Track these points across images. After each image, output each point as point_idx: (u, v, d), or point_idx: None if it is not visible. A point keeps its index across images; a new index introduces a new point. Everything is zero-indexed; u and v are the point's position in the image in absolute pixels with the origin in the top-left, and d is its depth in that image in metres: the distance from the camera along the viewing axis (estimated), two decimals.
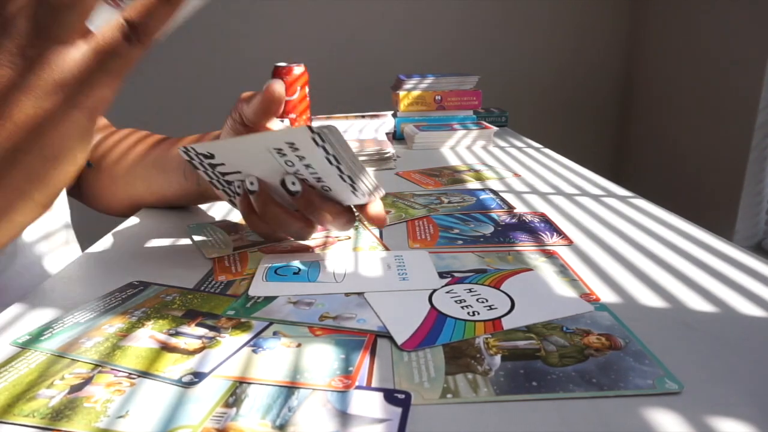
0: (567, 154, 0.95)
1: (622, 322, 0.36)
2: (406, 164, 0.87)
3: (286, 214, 0.45)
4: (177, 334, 0.35)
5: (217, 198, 0.58)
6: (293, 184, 0.44)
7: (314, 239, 0.52)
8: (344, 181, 0.42)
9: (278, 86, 0.45)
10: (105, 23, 0.32)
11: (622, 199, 0.66)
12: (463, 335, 0.34)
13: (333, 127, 0.39)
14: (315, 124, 0.46)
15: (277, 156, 0.42)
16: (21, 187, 0.30)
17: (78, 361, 0.32)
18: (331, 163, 0.41)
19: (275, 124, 0.50)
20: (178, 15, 0.32)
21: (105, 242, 0.53)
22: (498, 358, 0.32)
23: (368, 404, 0.28)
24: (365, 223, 0.56)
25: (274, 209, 0.45)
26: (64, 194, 0.64)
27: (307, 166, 0.42)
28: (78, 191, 0.68)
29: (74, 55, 0.30)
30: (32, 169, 0.30)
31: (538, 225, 0.55)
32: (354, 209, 0.46)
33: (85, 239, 0.63)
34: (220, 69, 2.13)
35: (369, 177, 0.43)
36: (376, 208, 0.45)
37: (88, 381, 0.30)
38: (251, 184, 0.45)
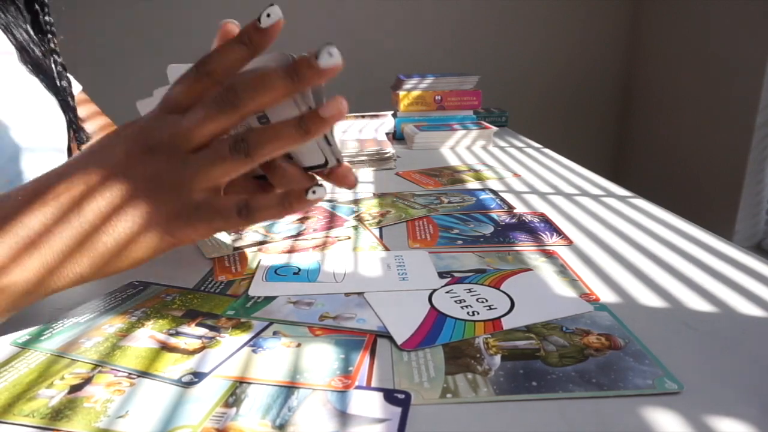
0: (567, 154, 0.95)
1: (622, 322, 0.36)
2: (406, 164, 0.87)
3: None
4: (177, 334, 0.35)
5: None
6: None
7: (314, 239, 0.52)
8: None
9: (230, 23, 0.40)
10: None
11: (622, 199, 0.66)
12: (463, 335, 0.34)
13: None
14: None
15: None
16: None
17: (78, 361, 0.32)
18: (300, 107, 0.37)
19: None
20: (279, 216, 0.36)
21: None
22: (498, 358, 0.32)
23: (368, 404, 0.28)
24: (364, 222, 0.56)
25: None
26: None
27: (261, 117, 0.37)
28: None
29: (197, 203, 0.34)
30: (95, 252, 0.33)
31: (537, 225, 0.55)
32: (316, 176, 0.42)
33: None
34: None
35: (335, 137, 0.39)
36: (346, 169, 0.41)
37: (88, 381, 0.30)
38: None
